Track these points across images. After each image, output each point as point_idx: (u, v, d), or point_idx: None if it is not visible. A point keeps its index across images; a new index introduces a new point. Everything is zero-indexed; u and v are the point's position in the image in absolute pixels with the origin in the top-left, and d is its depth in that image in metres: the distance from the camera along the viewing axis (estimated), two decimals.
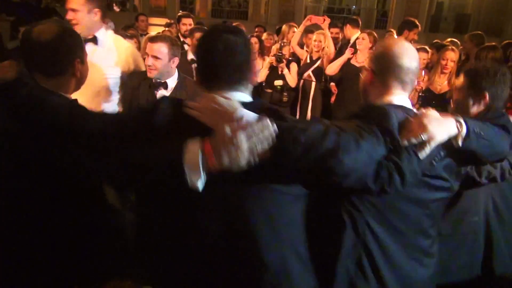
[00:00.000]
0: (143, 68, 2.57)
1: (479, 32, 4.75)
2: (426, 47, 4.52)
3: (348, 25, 5.05)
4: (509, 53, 4.22)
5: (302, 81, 4.66)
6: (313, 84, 4.69)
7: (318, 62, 4.68)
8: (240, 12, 18.11)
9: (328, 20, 4.80)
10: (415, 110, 1.40)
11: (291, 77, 4.43)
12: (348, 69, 4.31)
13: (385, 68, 1.39)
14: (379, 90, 1.41)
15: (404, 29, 4.78)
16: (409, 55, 1.39)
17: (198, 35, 3.61)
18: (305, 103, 4.67)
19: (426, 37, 12.57)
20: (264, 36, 5.52)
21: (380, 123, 1.21)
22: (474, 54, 3.99)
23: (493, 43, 3.85)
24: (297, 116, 4.42)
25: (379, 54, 1.45)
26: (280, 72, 4.36)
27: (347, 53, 4.33)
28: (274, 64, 4.33)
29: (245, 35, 1.21)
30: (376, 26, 16.09)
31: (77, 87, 1.43)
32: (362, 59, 4.24)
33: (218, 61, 1.12)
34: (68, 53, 1.33)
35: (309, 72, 4.68)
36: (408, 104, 1.40)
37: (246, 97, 1.16)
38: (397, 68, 1.38)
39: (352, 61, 4.34)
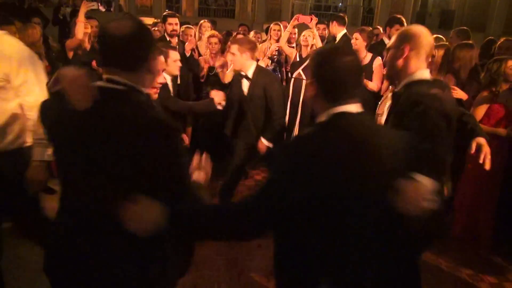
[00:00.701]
0: (32, 76, 2.31)
1: (465, 28, 4.80)
2: None
3: (334, 22, 5.04)
4: (493, 49, 4.28)
5: (292, 79, 4.68)
6: (304, 82, 4.71)
7: (308, 60, 4.70)
8: (227, 10, 18.03)
9: (315, 20, 4.80)
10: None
11: None
12: None
13: (421, 44, 1.85)
14: (413, 63, 1.85)
15: (386, 26, 4.84)
16: (430, 34, 1.92)
17: (238, 47, 3.24)
18: (296, 101, 4.69)
19: None
20: (251, 34, 5.53)
21: (440, 108, 1.70)
22: None
23: (469, 41, 3.89)
24: (287, 114, 4.41)
25: (414, 34, 1.87)
26: None
27: None
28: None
29: (358, 56, 1.45)
30: (363, 23, 16.17)
31: (151, 83, 1.44)
32: (361, 57, 4.23)
33: (346, 79, 1.33)
34: (144, 48, 1.33)
35: (299, 70, 4.70)
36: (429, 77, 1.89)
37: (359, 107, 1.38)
38: (427, 44, 1.87)
39: None
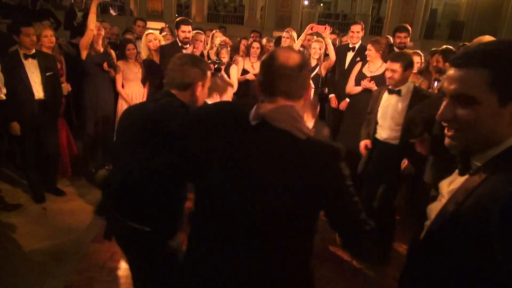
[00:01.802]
0: None
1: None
2: (419, 51, 4.57)
3: (363, 32, 4.85)
4: None
5: None
6: (312, 90, 4.74)
7: (317, 69, 4.71)
8: (236, 16, 18.16)
9: (329, 29, 4.74)
10: None
11: (230, 81, 4.52)
12: (360, 78, 4.31)
13: None
14: None
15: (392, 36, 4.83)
16: None
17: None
18: None
19: (421, 44, 12.68)
20: (264, 41, 5.58)
21: None
22: None
23: None
24: None
25: None
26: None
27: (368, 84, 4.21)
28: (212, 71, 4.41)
29: None
30: (371, 32, 16.21)
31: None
32: (374, 69, 4.22)
33: None
34: (307, 79, 1.36)
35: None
36: None
37: None
38: None
39: (365, 71, 4.31)
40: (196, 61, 1.92)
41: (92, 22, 4.18)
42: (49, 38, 4.11)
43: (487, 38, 2.79)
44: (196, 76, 1.87)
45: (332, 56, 4.70)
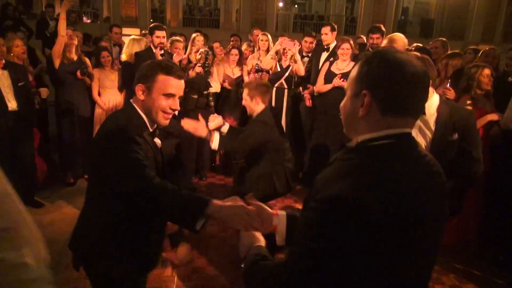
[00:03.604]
0: None
1: (443, 39, 4.94)
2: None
3: (335, 33, 4.95)
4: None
5: (274, 89, 4.75)
6: (286, 91, 4.82)
7: (289, 70, 4.78)
8: (211, 20, 18.14)
9: (298, 45, 4.79)
10: None
11: (216, 83, 4.78)
12: (329, 77, 4.39)
13: None
14: None
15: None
16: None
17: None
18: (279, 109, 4.77)
19: None
20: (244, 46, 5.62)
21: None
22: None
23: (456, 51, 3.97)
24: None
25: None
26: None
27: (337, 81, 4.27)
28: (202, 72, 4.55)
29: None
30: (346, 32, 16.46)
31: None
32: (342, 66, 4.34)
33: None
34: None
35: (282, 80, 4.80)
36: None
37: None
38: None
39: (333, 68, 4.41)
40: (152, 63, 1.67)
41: (63, 28, 4.14)
42: (20, 47, 4.05)
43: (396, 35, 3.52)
44: (137, 77, 1.63)
45: (301, 71, 4.76)
